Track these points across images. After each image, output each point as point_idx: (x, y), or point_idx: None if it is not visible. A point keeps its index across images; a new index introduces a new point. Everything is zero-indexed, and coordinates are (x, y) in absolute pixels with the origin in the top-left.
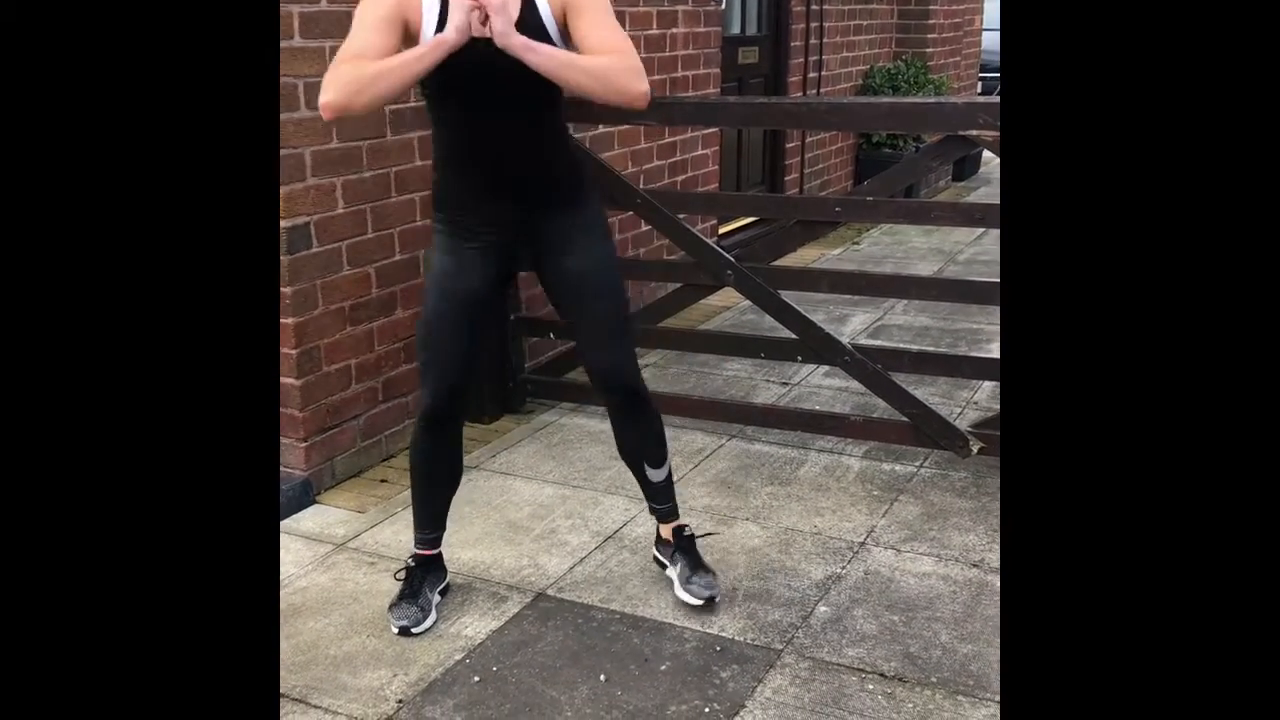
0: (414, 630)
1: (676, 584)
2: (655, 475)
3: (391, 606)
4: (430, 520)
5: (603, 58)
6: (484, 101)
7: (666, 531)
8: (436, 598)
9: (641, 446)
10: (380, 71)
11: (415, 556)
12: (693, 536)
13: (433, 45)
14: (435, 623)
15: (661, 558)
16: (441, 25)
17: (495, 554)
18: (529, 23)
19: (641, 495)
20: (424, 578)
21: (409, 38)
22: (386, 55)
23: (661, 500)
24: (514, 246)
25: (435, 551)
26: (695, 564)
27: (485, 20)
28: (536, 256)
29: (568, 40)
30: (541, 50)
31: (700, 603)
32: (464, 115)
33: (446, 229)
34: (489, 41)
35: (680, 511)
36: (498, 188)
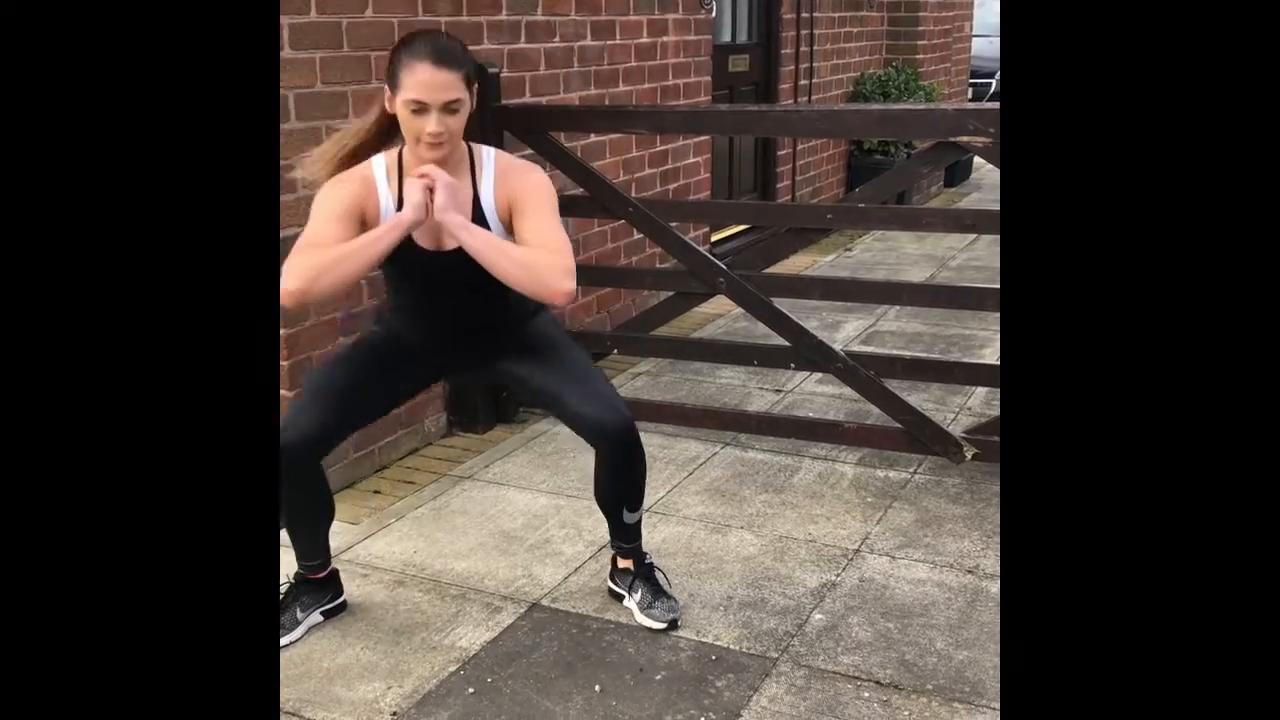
0: None
1: (636, 612)
2: (631, 518)
3: None
4: (306, 550)
5: (535, 251)
6: (436, 275)
7: (626, 562)
8: (316, 618)
9: (628, 494)
10: (341, 255)
11: (297, 575)
12: (653, 564)
13: (391, 225)
14: (293, 643)
15: (618, 588)
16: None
17: (489, 564)
18: (476, 220)
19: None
20: (297, 596)
21: (364, 228)
22: (342, 243)
23: (631, 539)
24: (451, 368)
25: (323, 574)
26: (656, 591)
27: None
28: (484, 370)
29: (510, 231)
30: (476, 232)
31: (664, 626)
32: (419, 284)
33: (389, 333)
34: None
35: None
36: (448, 336)
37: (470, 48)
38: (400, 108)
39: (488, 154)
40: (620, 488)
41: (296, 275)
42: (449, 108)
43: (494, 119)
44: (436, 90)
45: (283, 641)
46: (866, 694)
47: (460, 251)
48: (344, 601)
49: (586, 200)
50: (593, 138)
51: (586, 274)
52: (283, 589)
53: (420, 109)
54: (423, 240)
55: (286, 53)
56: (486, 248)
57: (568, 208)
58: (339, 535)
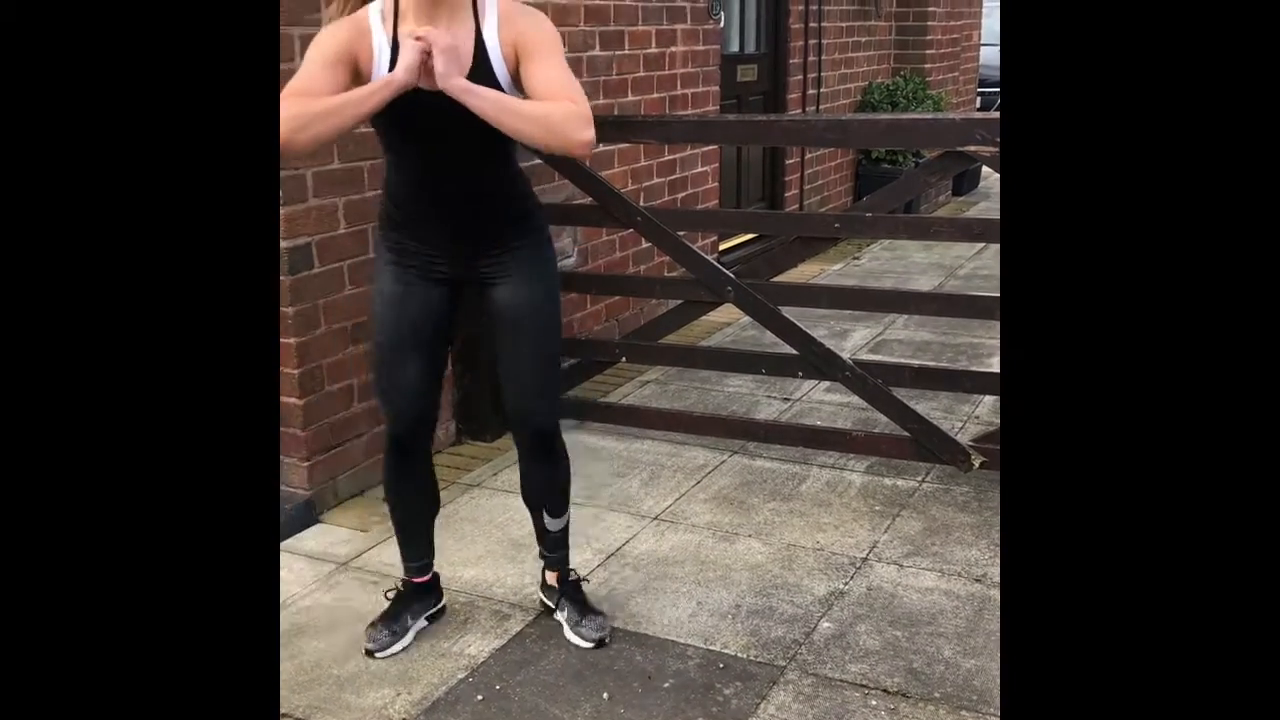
0: (378, 655)
1: (566, 628)
2: (553, 525)
3: (369, 626)
4: (415, 550)
5: (547, 104)
6: (432, 140)
7: (552, 578)
8: (422, 623)
9: (545, 494)
10: (327, 109)
11: (404, 582)
12: (578, 581)
13: (381, 84)
14: (407, 648)
15: (547, 601)
16: (393, 65)
17: (498, 572)
18: (480, 68)
19: (644, 513)
20: (409, 603)
21: (358, 77)
22: (333, 92)
23: (554, 549)
24: (459, 277)
25: (426, 578)
26: (583, 608)
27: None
28: (479, 288)
29: (519, 85)
30: (482, 93)
31: (591, 645)
32: (413, 152)
33: (393, 255)
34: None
35: (571, 560)
36: (445, 221)
37: None
38: None
39: None
40: (538, 486)
41: (281, 124)
42: None
43: None
44: None
45: (394, 649)
46: (874, 702)
47: (449, 97)
48: (445, 605)
49: (595, 209)
50: (601, 147)
51: (595, 282)
52: (391, 596)
53: None
54: (423, 82)
55: (297, 64)
56: (494, 108)
57: (576, 216)
58: (349, 543)
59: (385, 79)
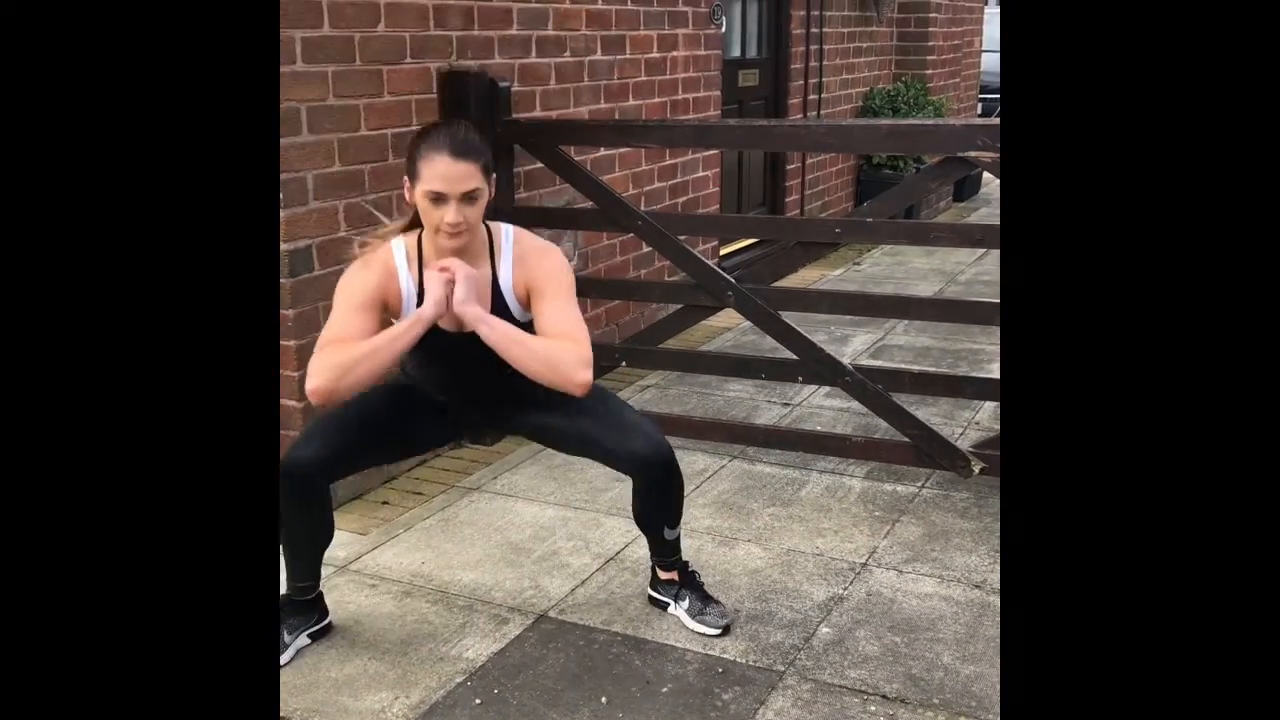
0: None
1: (686, 619)
2: (671, 534)
3: None
4: (301, 572)
5: (552, 342)
6: (456, 356)
7: (669, 575)
8: (303, 640)
9: (669, 513)
10: (364, 354)
11: (283, 598)
12: (695, 573)
13: (412, 321)
14: (287, 664)
15: (663, 597)
16: (419, 304)
17: (496, 576)
18: (496, 304)
19: None
20: (288, 618)
21: (387, 313)
22: (367, 336)
23: (673, 553)
24: (471, 430)
25: (310, 598)
26: (705, 597)
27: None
28: (504, 426)
29: (529, 309)
30: (493, 323)
31: (718, 632)
32: (438, 363)
33: (410, 381)
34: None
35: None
36: (468, 408)
37: (481, 62)
38: (419, 197)
39: (506, 235)
40: (661, 511)
41: (322, 374)
42: (468, 198)
43: (505, 133)
44: (455, 181)
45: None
46: (873, 708)
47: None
48: (330, 623)
49: (596, 213)
50: (602, 151)
51: (596, 287)
52: None
53: (439, 199)
54: (445, 324)
55: (299, 66)
56: (504, 340)
57: (577, 221)
58: (348, 545)
59: (416, 315)
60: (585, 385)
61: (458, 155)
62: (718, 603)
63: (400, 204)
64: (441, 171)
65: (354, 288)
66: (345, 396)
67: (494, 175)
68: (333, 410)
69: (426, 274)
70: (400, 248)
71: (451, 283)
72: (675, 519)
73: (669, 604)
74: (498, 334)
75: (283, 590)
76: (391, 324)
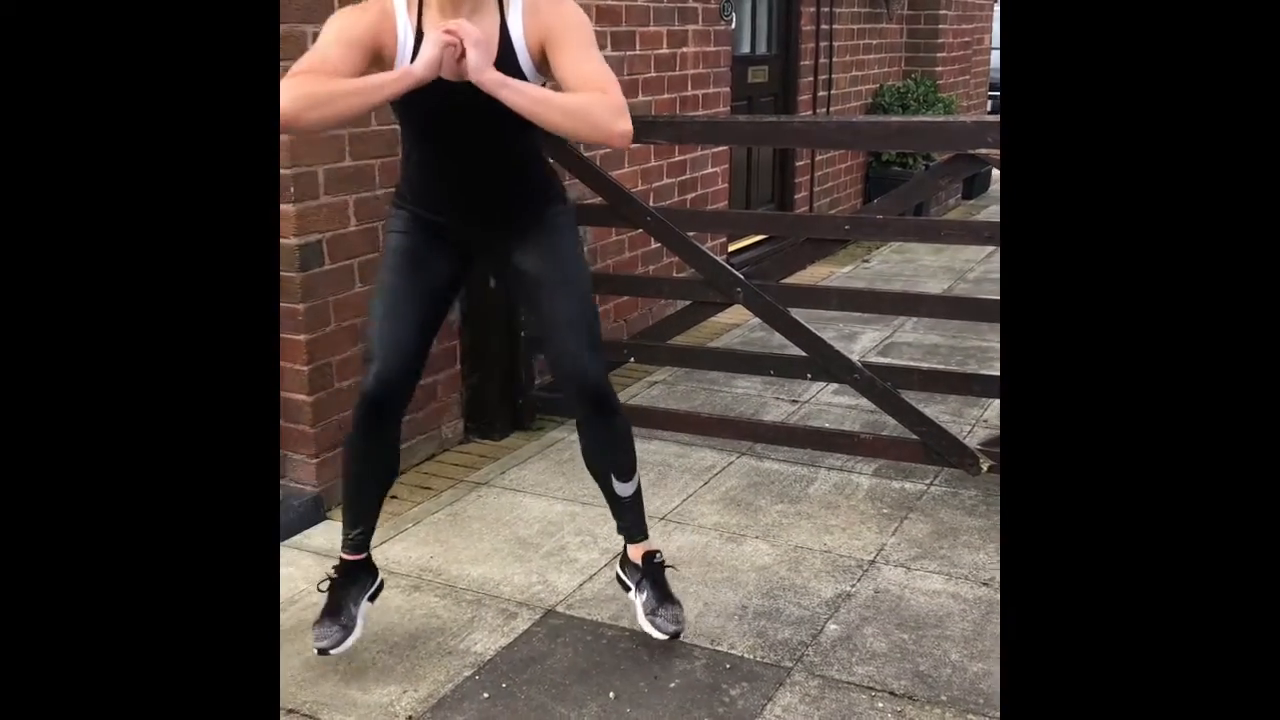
0: (333, 651)
1: (640, 613)
2: (623, 489)
3: (315, 624)
4: (359, 516)
5: (582, 95)
6: (454, 131)
7: (635, 554)
8: (365, 605)
9: (610, 452)
10: (339, 92)
11: (340, 564)
12: (663, 564)
13: (400, 74)
14: (360, 637)
15: (626, 580)
16: (416, 54)
17: (505, 571)
18: (505, 60)
19: (651, 513)
20: (347, 589)
21: (378, 63)
22: (349, 74)
23: (630, 516)
24: (476, 252)
25: (362, 555)
26: (663, 595)
27: (461, 57)
28: (499, 262)
29: (545, 73)
30: (517, 86)
31: (665, 637)
32: (432, 138)
33: (406, 220)
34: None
35: (650, 533)
36: (464, 203)
37: None
38: None
39: None
40: (602, 450)
41: (291, 99)
42: None
43: None
44: None
45: (348, 643)
46: (881, 705)
47: (473, 89)
48: (382, 581)
49: (605, 209)
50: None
51: (604, 282)
52: (325, 588)
53: None
54: (447, 74)
55: None
56: (531, 101)
57: (586, 217)
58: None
59: (404, 70)
60: (625, 134)
61: None
62: (675, 603)
63: None
64: None
65: (345, 23)
66: (304, 129)
67: None
68: (374, 317)
69: (427, 32)
70: None
71: (451, 46)
72: (623, 468)
73: (630, 589)
74: (523, 97)
75: (337, 559)
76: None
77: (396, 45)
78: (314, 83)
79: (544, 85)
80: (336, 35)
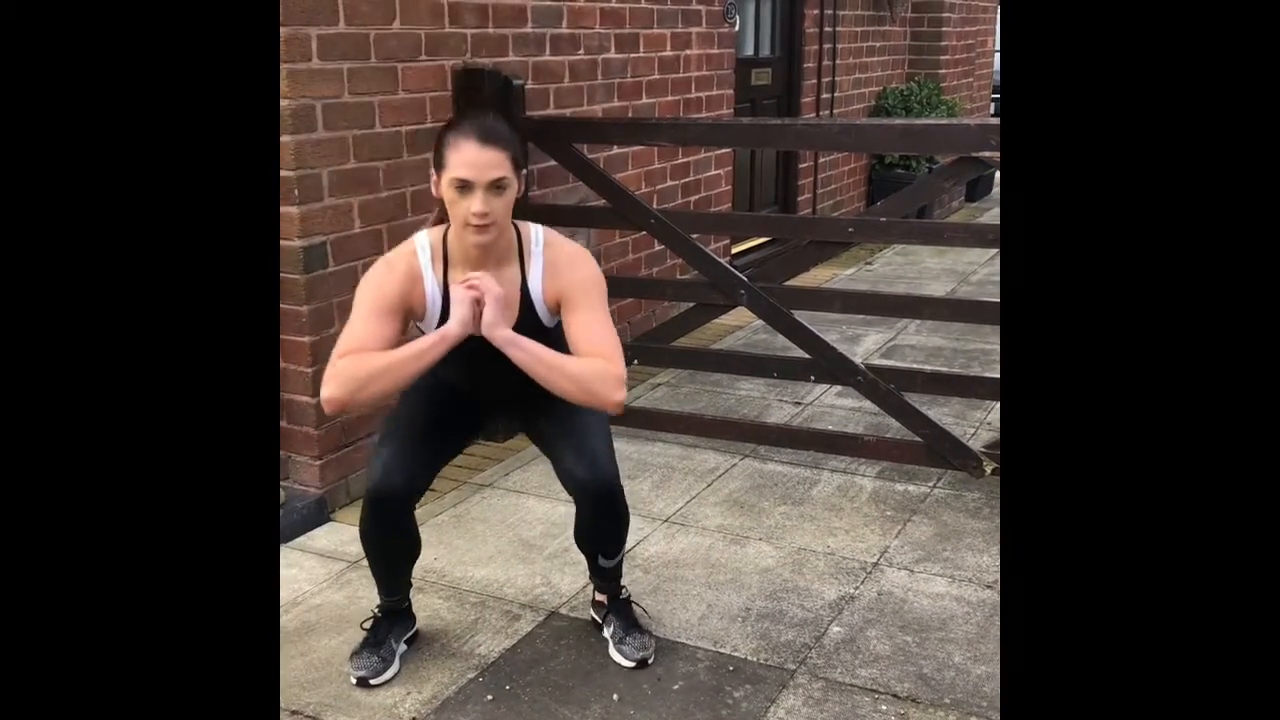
0: (372, 681)
1: (610, 645)
2: (608, 563)
3: (353, 655)
4: (394, 587)
5: (585, 363)
6: (477, 357)
7: (601, 596)
8: (402, 647)
9: (603, 543)
10: (385, 368)
11: (381, 608)
12: (628, 600)
13: (437, 338)
14: (397, 674)
15: (596, 617)
16: (444, 309)
17: (508, 572)
18: (525, 316)
19: (654, 515)
20: (390, 627)
21: (411, 314)
22: (388, 344)
23: (606, 579)
24: (489, 418)
25: (404, 606)
26: (629, 625)
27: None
28: (512, 424)
29: (558, 313)
30: (524, 345)
31: (633, 665)
32: (458, 362)
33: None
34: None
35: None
36: (486, 399)
37: (495, 60)
38: (446, 188)
39: (536, 238)
40: (595, 538)
41: (340, 386)
42: (495, 186)
43: (519, 130)
44: (482, 169)
45: (386, 675)
46: (884, 707)
47: None
48: (418, 630)
49: (608, 211)
50: (615, 149)
51: (607, 285)
52: (368, 626)
53: (465, 187)
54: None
55: (315, 63)
56: (536, 363)
57: (590, 219)
58: (359, 541)
59: (441, 334)
60: (620, 405)
61: (485, 142)
62: (642, 633)
63: (414, 203)
64: (468, 158)
65: (376, 292)
66: (359, 410)
67: (524, 171)
68: (394, 427)
69: (453, 289)
70: (425, 248)
71: (479, 302)
72: (613, 551)
73: (601, 625)
74: (529, 357)
75: (378, 604)
76: (414, 331)
77: (426, 302)
78: (360, 364)
79: (557, 326)
80: (371, 308)
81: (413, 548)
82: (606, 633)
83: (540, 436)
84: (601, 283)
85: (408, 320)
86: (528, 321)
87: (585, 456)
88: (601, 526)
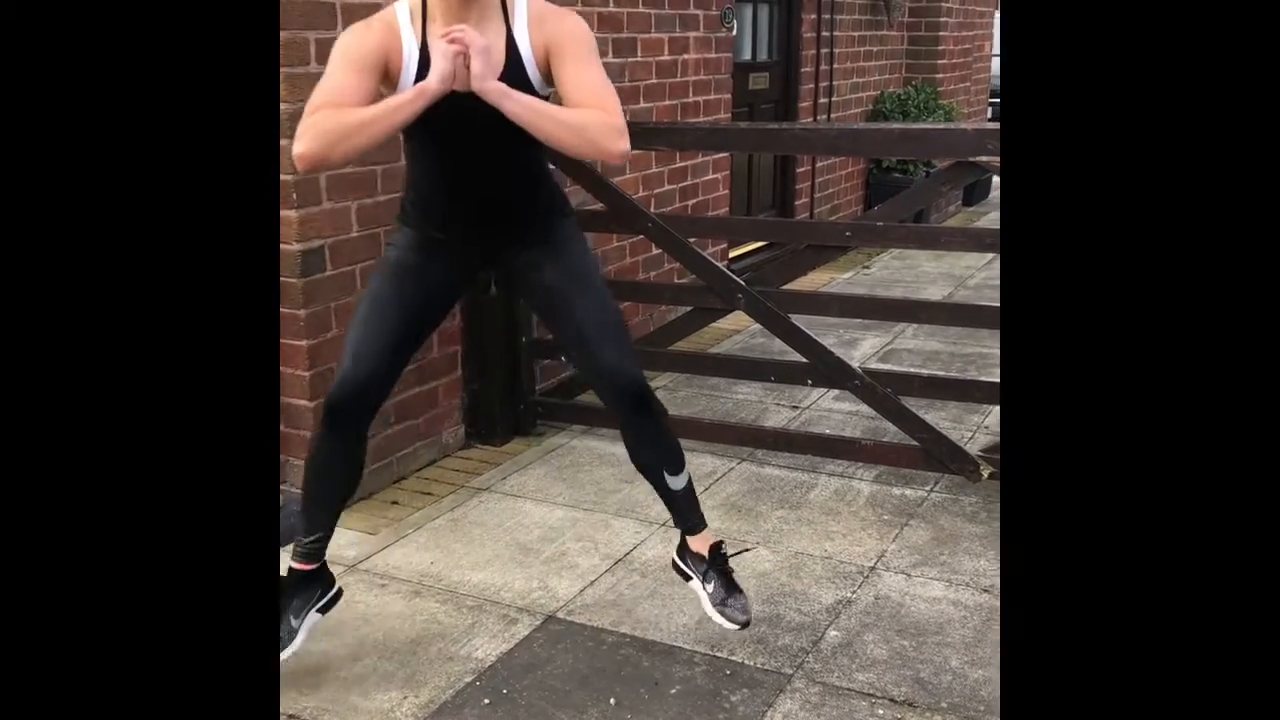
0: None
1: (708, 604)
2: (676, 483)
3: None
4: (315, 522)
5: (583, 112)
6: (460, 141)
7: (699, 545)
8: (314, 618)
9: (658, 452)
10: (361, 122)
11: (288, 572)
12: (728, 555)
13: (415, 93)
14: (298, 650)
15: (690, 570)
16: (423, 69)
17: (505, 576)
18: (511, 69)
19: (652, 519)
20: (289, 600)
21: (387, 79)
22: (364, 100)
23: (689, 512)
24: (479, 268)
25: (314, 566)
26: (731, 586)
27: (466, 65)
28: (509, 279)
29: (552, 85)
30: (518, 98)
31: (735, 627)
32: (437, 149)
33: (410, 234)
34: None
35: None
36: (469, 216)
37: None
38: None
39: None
40: (650, 447)
41: (313, 139)
42: None
43: None
44: None
45: (284, 655)
46: (881, 711)
47: (480, 99)
48: (339, 590)
49: (606, 215)
50: None
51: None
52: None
53: None
54: (456, 85)
55: (314, 67)
56: (531, 114)
57: (587, 223)
58: (358, 545)
59: (419, 88)
60: (624, 154)
61: None
62: (742, 593)
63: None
64: None
65: (352, 46)
66: (334, 165)
67: None
68: (353, 322)
69: (433, 43)
70: (404, 5)
71: (461, 55)
72: (674, 462)
73: (693, 579)
74: (524, 109)
75: (285, 565)
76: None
77: (402, 60)
78: (333, 118)
79: (548, 98)
80: (346, 61)
81: (345, 471)
82: (703, 590)
83: (552, 295)
84: (591, 35)
85: (384, 75)
86: (517, 78)
87: (617, 347)
88: (649, 430)
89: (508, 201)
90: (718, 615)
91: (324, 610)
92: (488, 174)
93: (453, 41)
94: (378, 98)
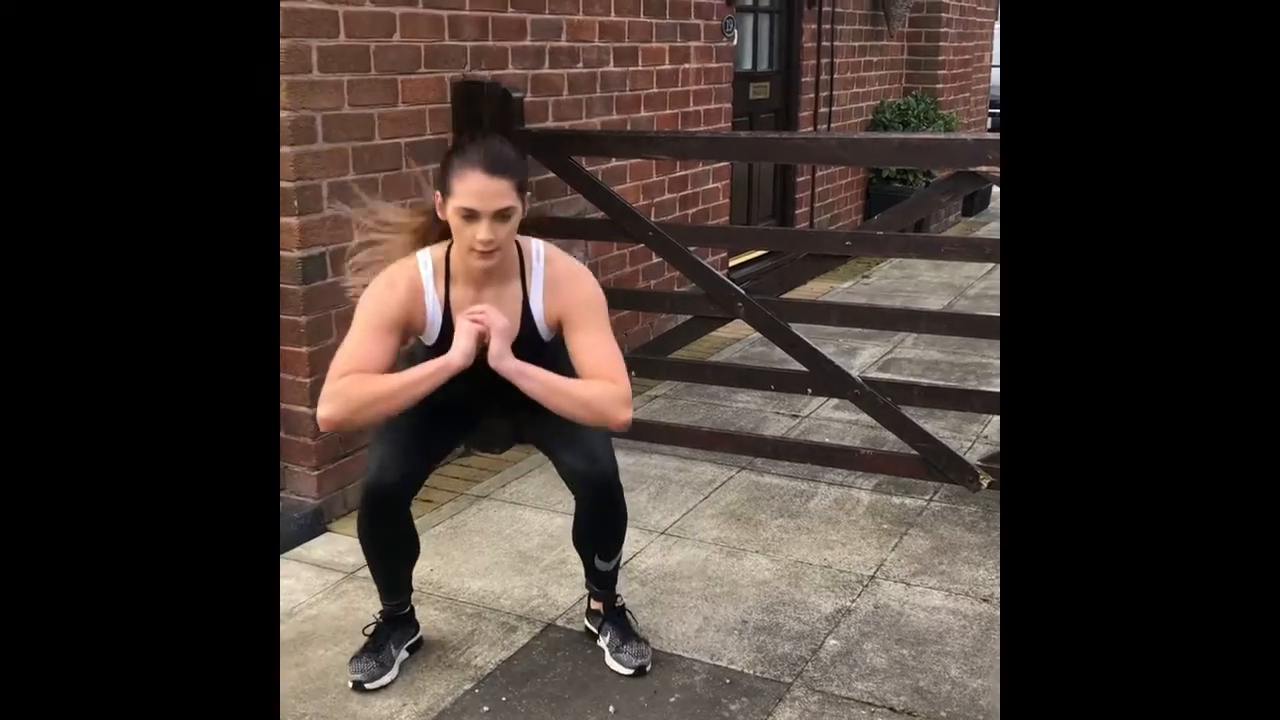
0: (368, 686)
1: (607, 653)
2: (605, 566)
3: (352, 659)
4: (394, 590)
5: (592, 385)
6: (476, 380)
7: (598, 605)
8: (403, 654)
9: (601, 542)
10: (386, 392)
11: (383, 614)
12: (623, 608)
13: (438, 367)
14: (395, 679)
15: (590, 626)
16: (445, 327)
17: (505, 584)
18: (525, 334)
19: (650, 527)
20: (390, 633)
21: (410, 328)
22: (387, 361)
23: (603, 585)
24: (484, 418)
25: (406, 611)
26: (626, 633)
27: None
28: (503, 420)
29: (559, 331)
30: (533, 375)
31: (631, 672)
32: (459, 381)
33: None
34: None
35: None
36: (480, 401)
37: (495, 72)
38: (451, 214)
39: (537, 254)
40: (593, 537)
41: (338, 407)
42: (500, 215)
43: (518, 143)
44: (488, 199)
45: (383, 680)
46: None
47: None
48: (421, 637)
49: (606, 224)
50: (614, 162)
51: (606, 297)
52: (369, 632)
53: (471, 216)
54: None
55: (315, 75)
56: (545, 391)
57: (589, 231)
58: (356, 552)
59: (442, 363)
60: (627, 424)
61: (492, 172)
62: (639, 640)
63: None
64: (475, 189)
65: (377, 307)
66: (356, 429)
67: (528, 193)
68: (390, 424)
69: (457, 321)
70: (428, 264)
71: (481, 335)
72: (610, 552)
73: (596, 635)
74: (538, 385)
75: (379, 609)
76: (420, 352)
77: (426, 319)
78: (359, 385)
79: (555, 339)
80: (370, 326)
81: (411, 547)
82: (603, 641)
83: (539, 437)
84: (602, 300)
85: (407, 335)
86: (528, 338)
87: (583, 449)
88: (600, 522)
89: (518, 402)
90: (613, 661)
91: (411, 650)
92: (501, 394)
93: (475, 320)
94: (398, 351)
